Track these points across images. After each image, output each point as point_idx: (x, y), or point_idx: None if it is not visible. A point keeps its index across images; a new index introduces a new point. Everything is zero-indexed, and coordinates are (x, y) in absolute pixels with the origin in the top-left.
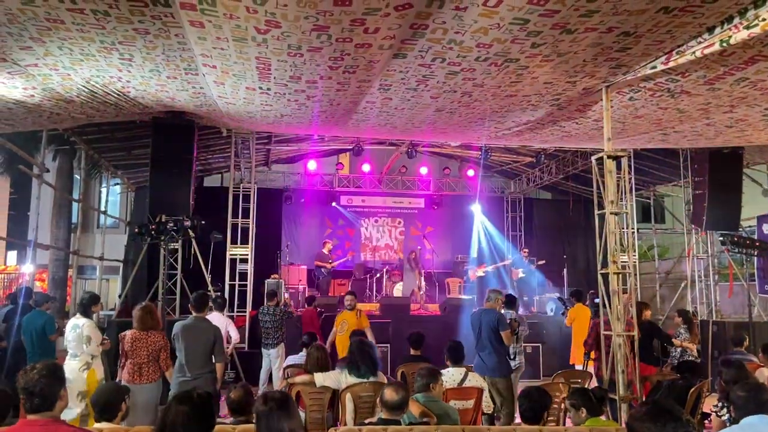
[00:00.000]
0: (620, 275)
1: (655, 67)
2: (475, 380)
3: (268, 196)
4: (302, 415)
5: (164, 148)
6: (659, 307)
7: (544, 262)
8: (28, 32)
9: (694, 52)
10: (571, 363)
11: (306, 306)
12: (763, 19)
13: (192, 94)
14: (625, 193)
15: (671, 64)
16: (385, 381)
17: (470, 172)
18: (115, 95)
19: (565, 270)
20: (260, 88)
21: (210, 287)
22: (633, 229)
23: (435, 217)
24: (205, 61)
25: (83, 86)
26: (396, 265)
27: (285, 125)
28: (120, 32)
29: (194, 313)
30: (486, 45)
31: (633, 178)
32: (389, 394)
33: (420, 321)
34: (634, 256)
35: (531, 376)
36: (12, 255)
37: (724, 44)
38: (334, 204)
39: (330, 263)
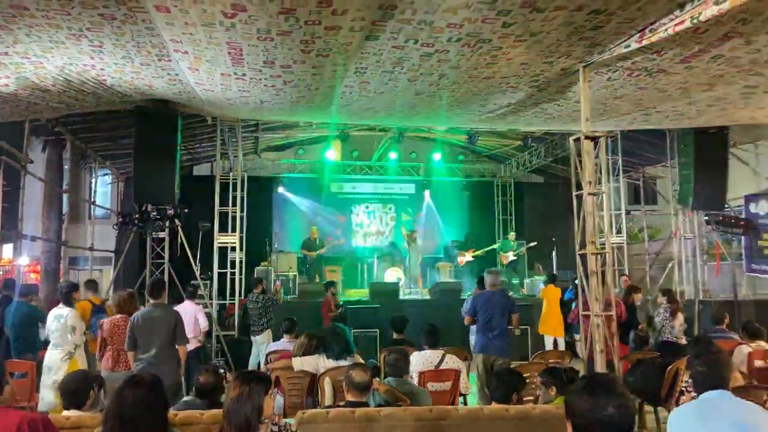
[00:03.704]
0: (598, 256)
1: (629, 46)
2: (452, 362)
3: (257, 184)
4: (281, 399)
5: (147, 137)
6: (649, 288)
7: (534, 244)
8: None
9: (666, 30)
10: (540, 333)
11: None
12: None
13: (168, 81)
14: (613, 175)
15: (645, 43)
16: (362, 361)
17: (460, 157)
18: (92, 83)
19: (554, 252)
20: (235, 73)
21: (198, 276)
22: (620, 210)
23: (426, 202)
24: (176, 47)
25: (58, 75)
26: (387, 250)
27: (267, 112)
28: (86, 18)
29: (151, 300)
30: (457, 25)
31: (621, 160)
32: (357, 375)
33: (410, 305)
34: (620, 236)
35: (521, 358)
36: (8, 248)
37: (695, 21)
38: (324, 190)
39: (315, 252)
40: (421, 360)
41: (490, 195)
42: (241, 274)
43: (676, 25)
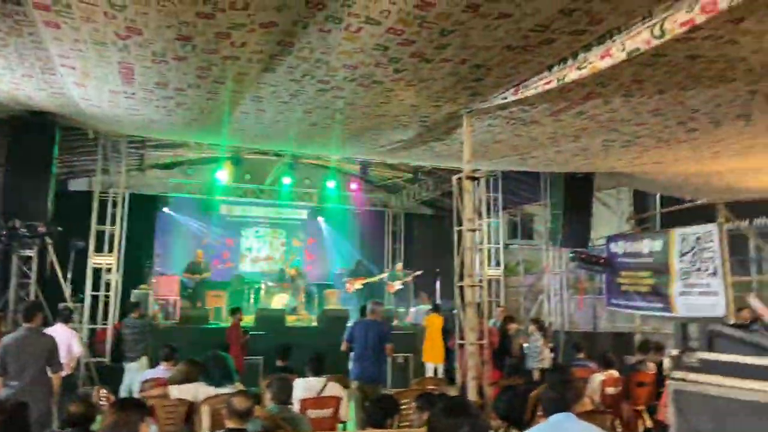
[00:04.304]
0: (474, 288)
1: (506, 98)
2: (334, 390)
3: (140, 202)
4: (155, 428)
5: (21, 148)
6: (522, 318)
7: (419, 273)
8: None
9: (537, 87)
10: (423, 361)
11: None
12: (590, 63)
13: (51, 94)
14: (494, 210)
15: (519, 96)
16: (243, 389)
17: (353, 186)
18: None
19: (438, 282)
20: (125, 92)
21: (69, 298)
22: (499, 244)
23: (317, 228)
24: (63, 62)
25: None
26: (276, 276)
27: (156, 130)
28: None
29: (24, 324)
30: (352, 66)
31: (501, 197)
32: (238, 401)
33: (296, 332)
34: (497, 269)
35: (402, 385)
36: None
37: (561, 82)
38: (212, 212)
39: (200, 275)
40: (304, 387)
41: (381, 224)
42: (116, 296)
43: (545, 83)
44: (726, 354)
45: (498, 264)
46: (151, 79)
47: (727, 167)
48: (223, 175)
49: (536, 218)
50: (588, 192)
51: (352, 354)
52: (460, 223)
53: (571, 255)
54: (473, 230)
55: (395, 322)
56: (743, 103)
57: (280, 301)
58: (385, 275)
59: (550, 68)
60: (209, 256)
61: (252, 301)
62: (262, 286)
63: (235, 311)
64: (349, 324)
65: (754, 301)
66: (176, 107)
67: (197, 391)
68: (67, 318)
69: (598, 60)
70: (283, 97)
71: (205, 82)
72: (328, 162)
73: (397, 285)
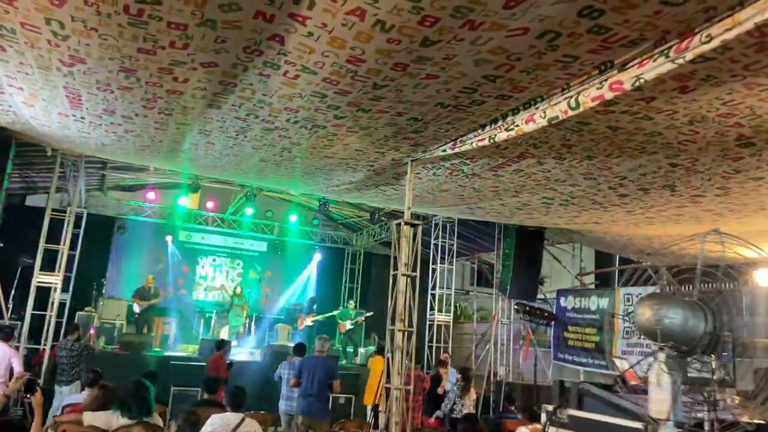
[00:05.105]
0: (404, 333)
1: (445, 151)
2: (250, 426)
3: (98, 223)
4: None
5: None
6: (474, 366)
7: (371, 314)
8: None
9: (472, 143)
10: (364, 403)
11: (215, 350)
12: (517, 126)
13: (2, 111)
14: (448, 257)
15: (457, 150)
16: (160, 422)
17: (315, 221)
18: None
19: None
20: (73, 115)
21: (5, 315)
22: (450, 290)
23: (276, 261)
24: (10, 82)
25: None
26: (227, 306)
27: (110, 153)
28: None
29: None
30: (293, 110)
31: (455, 244)
32: None
33: (237, 365)
34: (447, 315)
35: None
36: None
37: (492, 140)
38: (170, 238)
39: (149, 301)
40: (218, 423)
41: (340, 262)
42: (61, 317)
43: (479, 140)
44: (591, 412)
45: (449, 310)
46: (99, 106)
47: (664, 232)
48: (185, 200)
49: (495, 267)
50: (539, 244)
51: (283, 390)
52: (396, 267)
53: (516, 307)
54: (407, 275)
55: (343, 362)
56: (666, 174)
57: (227, 332)
58: (336, 313)
59: (482, 127)
60: (163, 282)
61: (201, 330)
62: (213, 316)
63: (222, 344)
64: (285, 360)
65: (620, 363)
66: (125, 134)
67: (110, 419)
68: (8, 336)
69: (524, 124)
70: (230, 132)
71: (152, 112)
72: (290, 196)
73: (348, 324)
